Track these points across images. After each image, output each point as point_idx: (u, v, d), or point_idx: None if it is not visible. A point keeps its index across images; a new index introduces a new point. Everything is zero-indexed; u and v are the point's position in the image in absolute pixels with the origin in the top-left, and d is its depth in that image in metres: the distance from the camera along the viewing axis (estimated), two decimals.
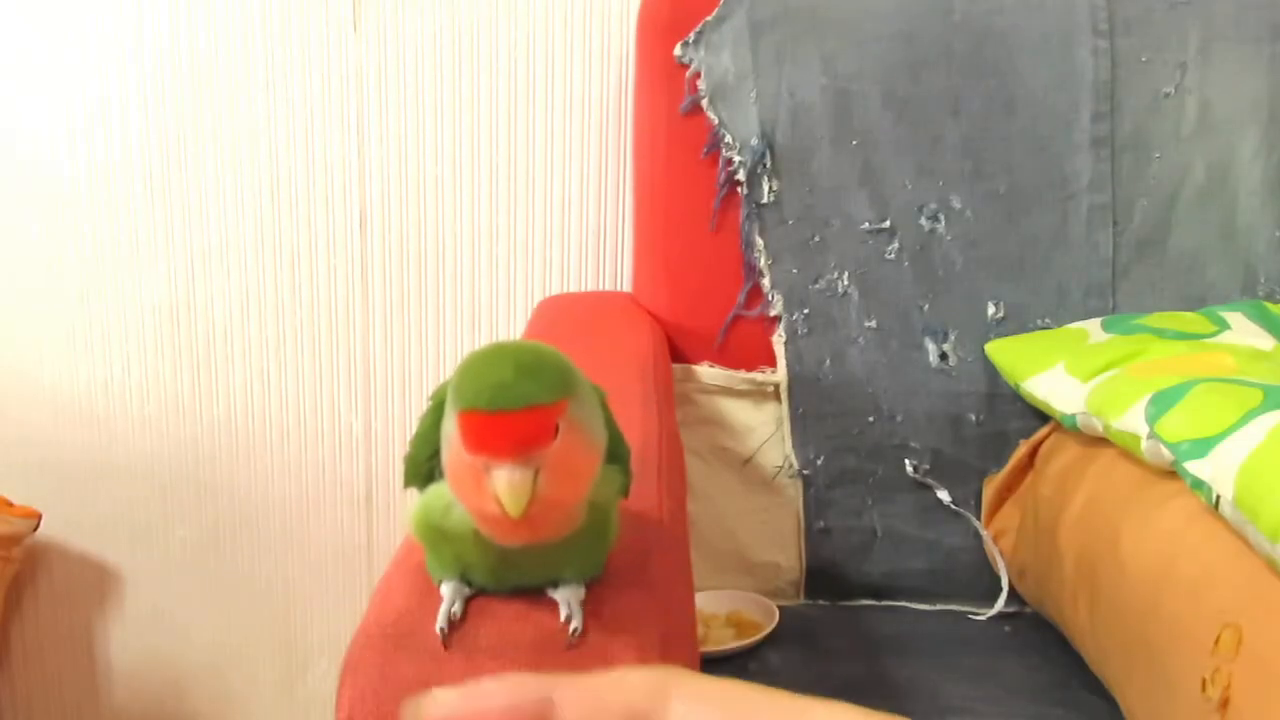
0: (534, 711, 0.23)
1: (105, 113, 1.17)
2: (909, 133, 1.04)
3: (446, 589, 0.50)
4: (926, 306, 1.04)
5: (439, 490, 0.50)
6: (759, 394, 1.06)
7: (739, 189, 1.04)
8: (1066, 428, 0.92)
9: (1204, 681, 0.63)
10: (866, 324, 1.04)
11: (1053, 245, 1.04)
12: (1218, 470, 0.68)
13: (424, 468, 0.51)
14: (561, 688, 0.23)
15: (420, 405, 0.58)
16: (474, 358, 0.46)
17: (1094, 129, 1.04)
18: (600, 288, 1.21)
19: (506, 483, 0.43)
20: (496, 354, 0.46)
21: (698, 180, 1.05)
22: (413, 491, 0.53)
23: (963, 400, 1.03)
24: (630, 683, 0.23)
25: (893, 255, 1.04)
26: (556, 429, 0.44)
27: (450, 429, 0.46)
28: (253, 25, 1.15)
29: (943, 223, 1.04)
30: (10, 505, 1.17)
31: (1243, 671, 0.61)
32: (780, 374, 1.04)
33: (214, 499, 1.26)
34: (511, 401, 0.43)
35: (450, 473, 0.47)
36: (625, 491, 0.54)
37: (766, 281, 1.04)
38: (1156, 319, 0.97)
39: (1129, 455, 0.81)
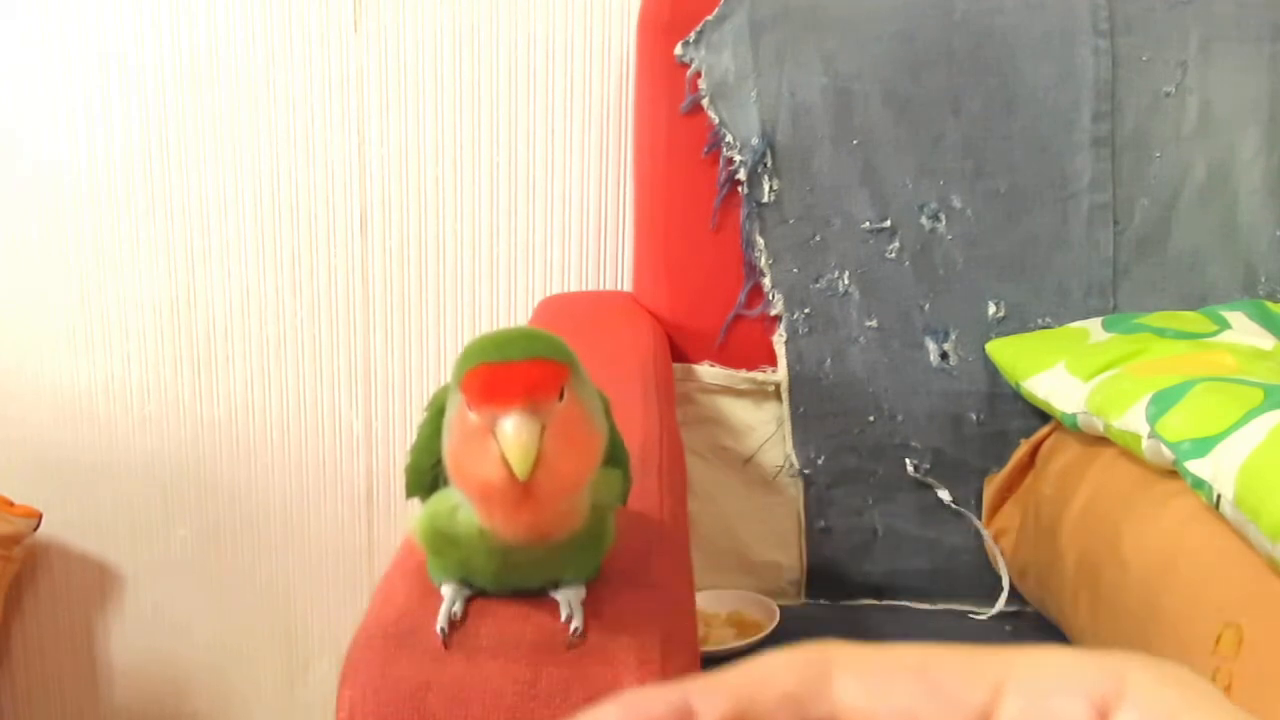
0: None
1: (105, 113, 1.17)
2: (909, 132, 1.04)
3: (447, 589, 0.50)
4: (927, 306, 1.04)
5: (446, 494, 0.50)
6: (760, 393, 1.06)
7: (739, 188, 1.04)
8: (1067, 427, 0.92)
9: None
10: (867, 323, 1.04)
11: (1053, 245, 1.04)
12: (1218, 470, 0.68)
13: (427, 477, 0.51)
14: (698, 692, 0.21)
15: (420, 405, 0.58)
16: (475, 339, 0.47)
17: (1094, 128, 1.04)
18: (600, 288, 1.21)
19: (514, 431, 0.43)
20: (499, 330, 0.48)
21: (698, 180, 1.05)
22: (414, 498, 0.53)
23: (963, 400, 1.03)
24: (777, 669, 0.21)
25: (893, 255, 1.04)
26: (561, 390, 0.44)
27: (453, 414, 0.46)
28: (253, 25, 1.15)
29: (943, 222, 1.04)
30: (10, 505, 1.17)
31: (1243, 671, 0.61)
32: (781, 373, 1.04)
33: (214, 498, 1.26)
34: (518, 353, 0.44)
35: (453, 455, 0.47)
36: (624, 499, 0.54)
37: (767, 281, 1.04)
38: (1157, 318, 0.97)
39: (1130, 455, 0.81)
